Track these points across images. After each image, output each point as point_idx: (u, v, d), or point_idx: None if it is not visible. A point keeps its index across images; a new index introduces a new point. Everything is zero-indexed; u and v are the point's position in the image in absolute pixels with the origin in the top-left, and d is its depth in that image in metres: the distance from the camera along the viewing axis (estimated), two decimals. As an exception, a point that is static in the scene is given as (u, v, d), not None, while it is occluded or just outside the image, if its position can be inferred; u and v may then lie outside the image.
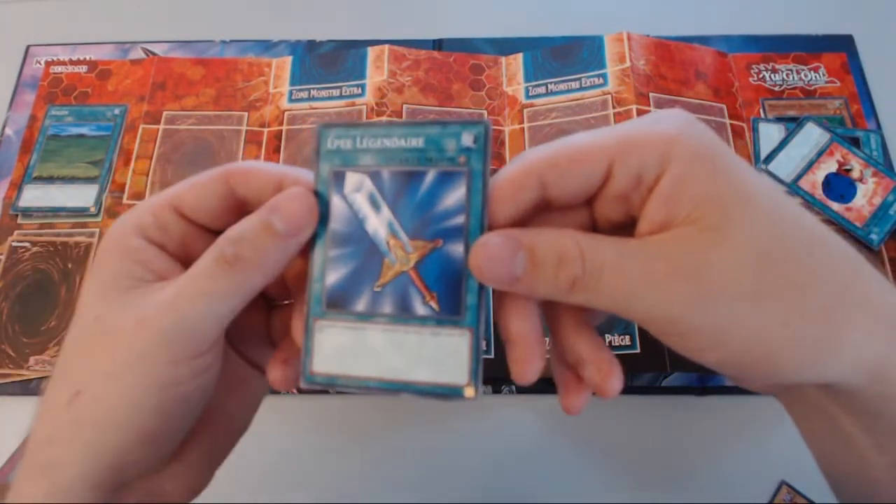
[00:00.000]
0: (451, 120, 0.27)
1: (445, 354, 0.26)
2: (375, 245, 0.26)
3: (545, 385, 0.52)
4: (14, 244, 0.56)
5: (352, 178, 0.27)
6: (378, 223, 0.26)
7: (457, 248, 0.26)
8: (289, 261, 0.26)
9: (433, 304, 0.26)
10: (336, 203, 0.27)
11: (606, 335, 0.49)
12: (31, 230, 0.56)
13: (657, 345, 0.48)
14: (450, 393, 0.26)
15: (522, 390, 0.51)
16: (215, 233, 0.27)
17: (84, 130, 0.60)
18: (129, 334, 0.25)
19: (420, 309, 0.26)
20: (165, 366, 0.25)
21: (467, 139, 0.26)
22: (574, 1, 0.69)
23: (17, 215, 0.57)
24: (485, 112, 0.60)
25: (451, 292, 0.26)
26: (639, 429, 0.50)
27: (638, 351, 0.48)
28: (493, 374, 0.50)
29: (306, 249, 0.27)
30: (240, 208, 0.28)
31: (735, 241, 0.23)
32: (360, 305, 0.26)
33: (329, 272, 0.27)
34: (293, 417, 0.51)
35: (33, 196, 0.57)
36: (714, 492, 0.48)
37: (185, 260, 0.28)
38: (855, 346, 0.24)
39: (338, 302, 0.27)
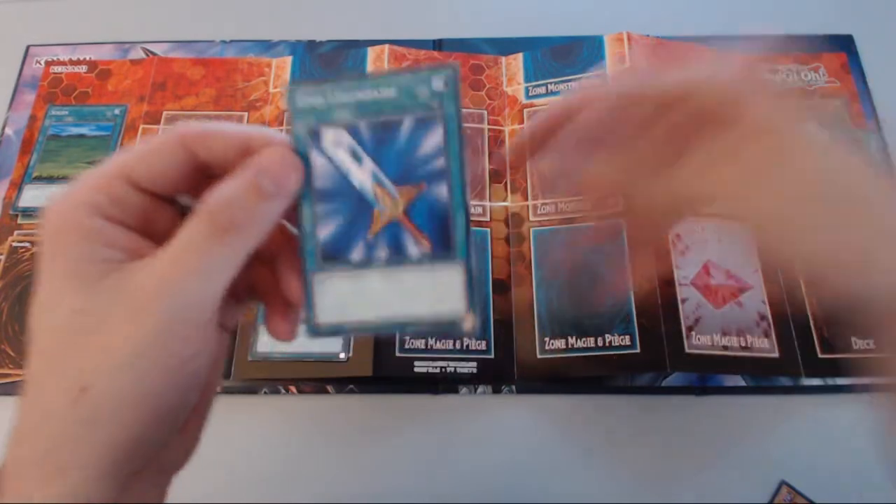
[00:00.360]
0: (421, 67, 0.27)
1: (442, 288, 0.27)
2: (363, 196, 0.27)
3: (545, 385, 0.52)
4: (14, 244, 0.56)
5: (329, 134, 0.27)
6: (362, 175, 0.27)
7: (440, 190, 0.27)
8: (276, 222, 0.26)
9: (425, 244, 0.27)
10: (317, 160, 0.27)
11: (606, 335, 0.50)
12: (32, 230, 0.56)
13: (657, 345, 0.48)
14: (450, 324, 0.27)
15: (522, 390, 0.51)
16: (171, 201, 0.27)
17: (84, 130, 0.60)
18: (126, 323, 0.24)
19: (413, 250, 0.27)
20: (172, 348, 0.24)
21: (438, 84, 0.27)
22: (574, 1, 0.69)
23: (17, 215, 0.57)
24: (484, 112, 0.60)
25: (440, 231, 0.27)
26: (639, 429, 0.50)
27: (638, 351, 0.48)
28: (494, 374, 0.51)
29: (289, 212, 0.27)
30: (200, 173, 0.27)
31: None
32: (356, 255, 0.27)
33: (320, 227, 0.27)
34: (293, 417, 0.51)
35: (33, 196, 0.57)
36: (714, 492, 0.48)
37: (148, 233, 0.26)
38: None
39: (333, 255, 0.28)
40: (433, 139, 0.27)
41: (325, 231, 0.27)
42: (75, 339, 0.24)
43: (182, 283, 0.24)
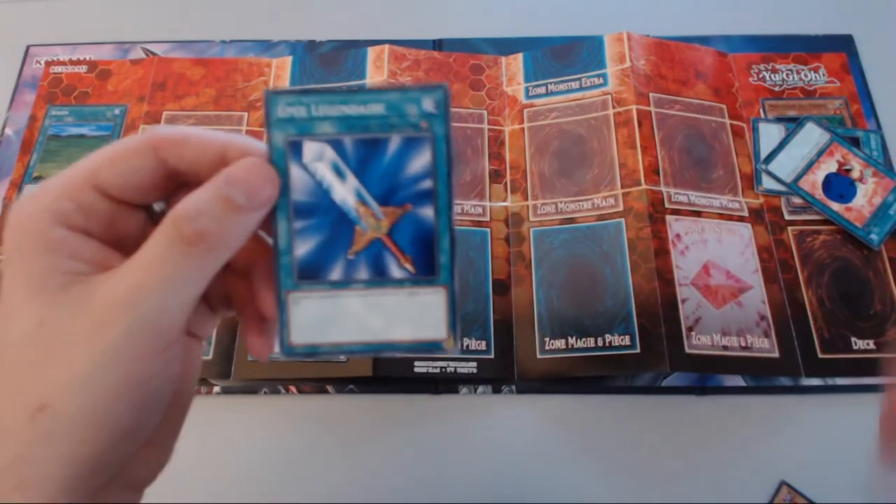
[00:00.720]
0: (410, 85, 0.27)
1: (424, 312, 0.27)
2: (344, 214, 0.26)
3: (545, 385, 0.52)
4: (14, 244, 0.56)
5: (311, 147, 0.26)
6: (345, 192, 0.26)
7: (426, 212, 0.27)
8: (249, 235, 0.25)
9: (408, 267, 0.27)
10: (296, 173, 0.26)
11: (606, 335, 0.50)
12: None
13: (657, 345, 0.48)
14: (431, 347, 0.27)
15: (522, 390, 0.51)
16: (141, 207, 0.26)
17: (84, 130, 0.60)
18: (88, 337, 0.23)
19: (396, 272, 0.27)
20: (134, 365, 0.23)
21: (428, 104, 0.26)
22: (574, 1, 0.68)
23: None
24: (484, 112, 0.60)
25: (424, 253, 0.27)
26: (639, 429, 0.50)
27: (638, 351, 0.48)
28: (494, 374, 0.51)
29: (266, 223, 0.26)
30: (171, 179, 0.26)
31: None
32: (334, 274, 0.27)
33: (297, 244, 0.26)
34: (292, 417, 0.51)
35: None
36: (714, 492, 0.48)
37: (113, 242, 0.25)
38: None
39: (310, 273, 0.27)
40: (421, 160, 0.26)
41: (303, 248, 0.26)
42: (34, 353, 0.23)
43: (146, 297, 0.23)
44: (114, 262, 0.24)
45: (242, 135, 0.26)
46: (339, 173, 0.26)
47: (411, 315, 0.27)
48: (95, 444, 0.23)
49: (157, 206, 0.27)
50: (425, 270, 0.27)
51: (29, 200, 0.24)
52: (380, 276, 0.27)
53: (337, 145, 0.26)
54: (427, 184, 0.26)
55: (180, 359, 0.26)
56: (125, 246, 0.25)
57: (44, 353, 0.23)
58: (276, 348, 0.27)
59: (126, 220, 0.26)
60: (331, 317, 0.27)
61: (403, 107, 0.26)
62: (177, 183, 0.26)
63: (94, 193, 0.24)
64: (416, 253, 0.27)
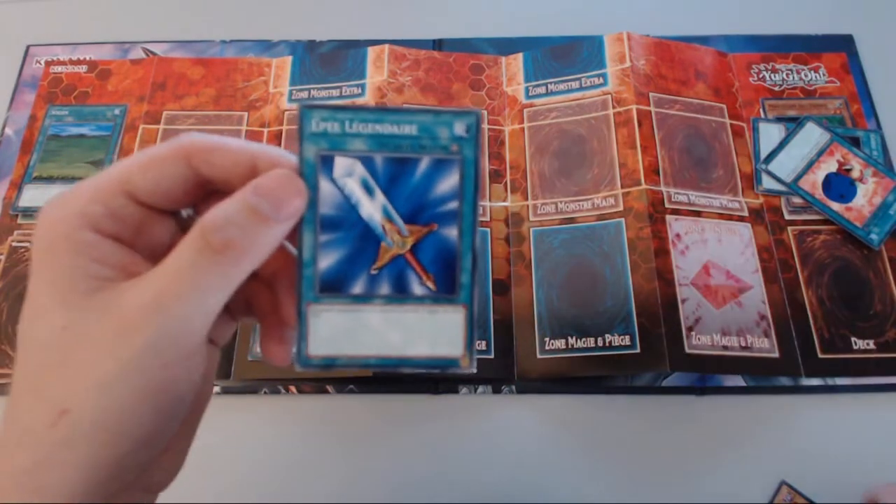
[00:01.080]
0: (444, 109, 0.28)
1: (442, 330, 0.28)
2: (370, 229, 0.27)
3: (545, 385, 0.52)
4: (14, 244, 0.56)
5: (342, 163, 0.26)
6: (372, 208, 0.27)
7: (451, 232, 0.27)
8: (275, 246, 0.25)
9: (430, 285, 0.27)
10: (325, 187, 0.26)
11: (606, 335, 0.50)
12: (32, 230, 0.56)
13: (657, 345, 0.48)
14: (447, 364, 0.28)
15: (522, 390, 0.51)
16: (170, 213, 0.26)
17: (84, 130, 0.60)
18: (112, 343, 0.23)
19: (417, 289, 0.27)
20: (158, 371, 0.23)
21: (460, 128, 0.27)
22: (574, 1, 0.68)
23: (17, 215, 0.57)
24: (484, 112, 0.60)
25: (446, 272, 0.27)
26: (639, 429, 0.50)
27: (638, 351, 0.48)
28: (494, 374, 0.51)
29: (292, 233, 0.26)
30: (201, 187, 0.26)
31: None
32: (357, 288, 0.27)
33: (321, 257, 0.27)
34: (292, 417, 0.51)
35: (33, 196, 0.57)
36: (714, 492, 0.48)
37: (141, 248, 0.25)
38: None
39: (332, 286, 0.27)
40: (449, 181, 0.27)
41: (327, 261, 0.27)
42: (58, 357, 0.23)
43: (172, 305, 0.23)
44: (141, 269, 0.24)
45: (274, 146, 0.26)
46: (368, 190, 0.27)
47: (430, 332, 0.27)
48: (116, 450, 0.23)
49: (186, 213, 0.28)
50: (446, 289, 0.27)
51: (59, 203, 0.24)
52: (401, 293, 0.27)
53: (367, 162, 0.27)
54: (453, 205, 0.27)
55: (201, 365, 0.26)
56: (154, 252, 0.26)
57: (67, 358, 0.23)
58: (294, 359, 0.27)
59: (155, 227, 0.26)
60: (350, 330, 0.27)
61: (435, 129, 0.26)
62: (206, 191, 0.26)
63: (125, 199, 0.25)
64: (438, 271, 0.27)
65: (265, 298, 0.28)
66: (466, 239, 0.27)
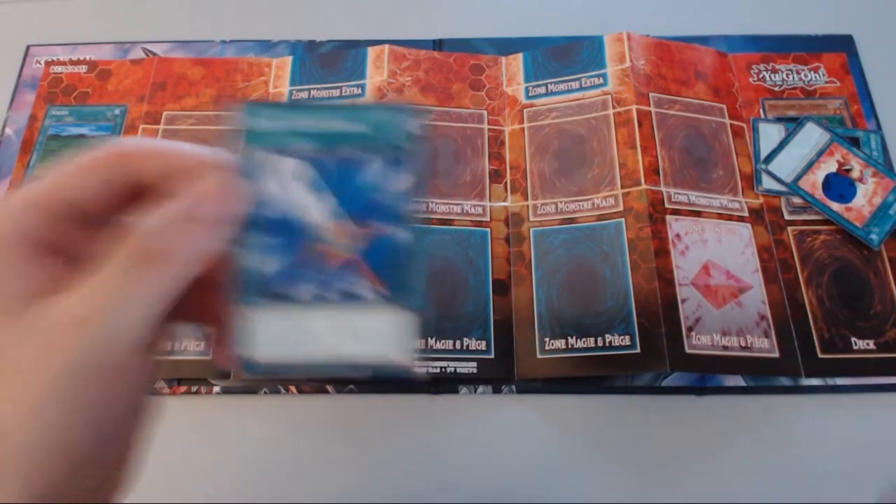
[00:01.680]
0: (394, 105, 0.26)
1: (389, 333, 0.26)
2: (317, 232, 0.26)
3: (545, 385, 0.52)
4: (14, 244, 0.56)
5: (288, 163, 0.25)
6: (319, 210, 0.26)
7: (401, 234, 0.26)
8: (216, 252, 0.24)
9: (378, 288, 0.26)
10: (268, 188, 0.25)
11: (606, 335, 0.50)
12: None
13: (657, 345, 0.48)
14: (392, 367, 0.27)
15: (522, 390, 0.51)
16: (107, 220, 0.25)
17: (84, 130, 0.60)
18: (36, 363, 0.21)
19: (365, 293, 0.26)
20: (90, 390, 0.22)
21: (412, 125, 0.26)
22: (574, 1, 0.68)
23: (17, 215, 0.57)
24: (485, 112, 0.60)
25: (395, 276, 0.26)
26: (639, 429, 0.50)
27: (638, 351, 0.48)
28: (494, 374, 0.51)
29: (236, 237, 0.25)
30: (134, 192, 0.24)
31: None
32: (302, 293, 0.26)
33: (265, 260, 0.26)
34: (292, 417, 0.51)
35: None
36: (714, 492, 0.48)
37: (81, 258, 0.23)
38: None
39: (277, 291, 0.26)
40: (400, 182, 0.26)
41: (272, 265, 0.26)
42: None
43: (101, 319, 0.21)
44: (68, 278, 0.23)
45: (215, 147, 0.25)
46: (315, 191, 0.26)
47: (376, 335, 0.26)
48: (50, 473, 0.22)
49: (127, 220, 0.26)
50: (394, 292, 0.26)
51: None
52: (349, 297, 0.26)
53: (315, 161, 0.25)
54: (404, 206, 0.26)
55: (141, 377, 0.24)
56: (93, 261, 0.24)
57: None
58: (240, 364, 0.26)
59: (94, 235, 0.24)
60: (295, 335, 0.26)
61: (386, 126, 0.26)
62: (138, 194, 0.25)
63: (58, 208, 0.23)
64: (388, 275, 0.26)
65: (213, 304, 0.27)
66: (417, 242, 0.26)
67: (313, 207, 0.26)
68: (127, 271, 0.22)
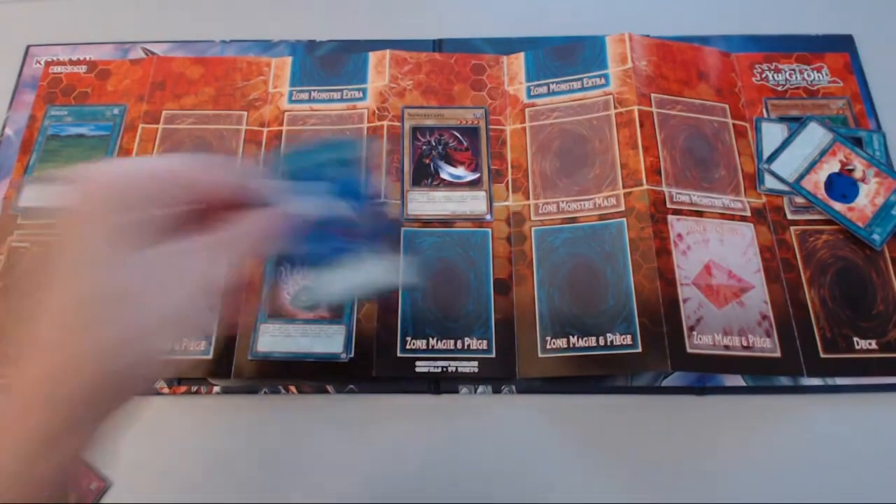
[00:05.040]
0: (352, 138, 0.45)
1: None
2: (333, 219, 0.38)
3: (545, 385, 0.52)
4: (14, 244, 0.56)
5: (311, 183, 0.37)
6: (333, 206, 0.38)
7: (377, 214, 0.45)
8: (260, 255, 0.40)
9: (370, 247, 0.39)
10: (304, 198, 0.37)
11: (608, 334, 0.49)
12: (31, 230, 0.56)
13: (659, 344, 0.48)
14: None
15: (522, 390, 0.51)
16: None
17: (83, 130, 0.60)
18: (158, 302, 0.29)
19: (363, 251, 0.39)
20: (208, 301, 0.31)
21: (368, 150, 0.42)
22: (575, 1, 0.68)
23: (16, 215, 0.57)
24: (484, 110, 0.60)
25: (376, 239, 0.40)
26: (639, 429, 0.50)
27: (639, 350, 0.48)
28: (495, 373, 0.50)
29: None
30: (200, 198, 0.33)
31: None
32: (330, 254, 0.39)
33: (308, 239, 0.37)
34: (292, 417, 0.51)
35: (33, 196, 0.57)
36: (714, 492, 0.48)
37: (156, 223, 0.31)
38: None
39: (316, 255, 0.39)
40: (373, 183, 0.42)
41: (311, 241, 0.38)
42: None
43: (212, 259, 0.31)
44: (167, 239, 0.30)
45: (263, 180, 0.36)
46: (329, 195, 0.38)
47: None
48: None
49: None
50: (379, 249, 0.40)
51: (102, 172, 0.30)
52: (355, 254, 0.39)
53: (326, 179, 0.38)
54: (376, 198, 0.45)
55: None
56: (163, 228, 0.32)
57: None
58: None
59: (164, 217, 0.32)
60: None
61: (353, 150, 0.40)
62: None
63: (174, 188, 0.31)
64: (373, 239, 0.39)
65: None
66: (382, 217, 0.45)
67: (329, 205, 0.37)
68: (218, 245, 0.31)
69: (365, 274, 0.40)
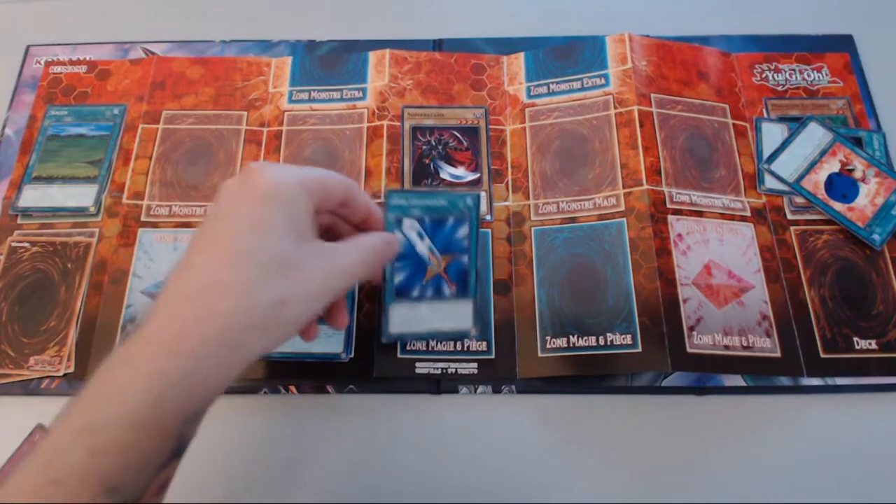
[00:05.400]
0: (461, 193, 0.47)
1: (460, 313, 0.49)
2: (422, 259, 0.47)
3: (545, 385, 0.52)
4: (14, 244, 0.56)
5: (406, 222, 0.46)
6: (423, 247, 0.46)
7: (465, 259, 0.48)
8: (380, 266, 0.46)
9: (453, 289, 0.48)
10: (398, 235, 0.45)
11: (608, 334, 0.49)
12: (31, 230, 0.56)
13: (659, 344, 0.48)
14: (463, 333, 0.50)
15: (522, 390, 0.51)
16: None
17: (83, 130, 0.60)
18: (321, 279, 0.37)
19: (447, 291, 0.48)
20: (345, 284, 0.39)
21: (470, 201, 0.47)
22: (575, 1, 0.68)
23: (16, 215, 0.57)
24: (484, 109, 0.60)
25: (462, 281, 0.48)
26: (639, 429, 0.50)
27: (639, 350, 0.48)
28: (494, 374, 0.50)
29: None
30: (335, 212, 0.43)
31: None
32: (414, 293, 0.47)
33: (396, 276, 0.47)
34: (292, 417, 0.51)
35: (33, 196, 0.57)
36: (714, 492, 0.48)
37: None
38: None
39: (401, 292, 0.47)
40: (463, 231, 0.47)
41: (398, 278, 0.47)
42: (282, 271, 0.35)
43: (351, 268, 0.39)
44: (315, 240, 0.39)
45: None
46: (421, 236, 0.46)
47: (453, 315, 0.49)
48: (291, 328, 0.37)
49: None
50: (462, 291, 0.48)
51: (294, 173, 0.38)
52: (439, 294, 0.48)
53: (420, 221, 0.46)
54: (466, 243, 0.48)
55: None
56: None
57: (288, 274, 0.35)
58: (383, 338, 0.48)
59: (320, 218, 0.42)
60: (410, 317, 0.48)
61: (457, 201, 0.47)
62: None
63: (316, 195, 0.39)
64: (458, 281, 0.48)
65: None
66: (472, 262, 0.48)
67: (419, 245, 0.46)
68: (360, 251, 0.40)
69: (445, 316, 0.48)
